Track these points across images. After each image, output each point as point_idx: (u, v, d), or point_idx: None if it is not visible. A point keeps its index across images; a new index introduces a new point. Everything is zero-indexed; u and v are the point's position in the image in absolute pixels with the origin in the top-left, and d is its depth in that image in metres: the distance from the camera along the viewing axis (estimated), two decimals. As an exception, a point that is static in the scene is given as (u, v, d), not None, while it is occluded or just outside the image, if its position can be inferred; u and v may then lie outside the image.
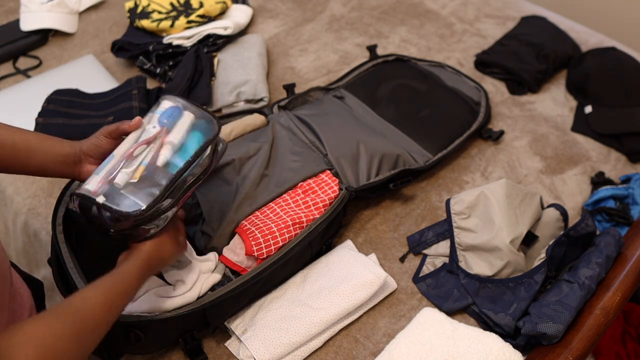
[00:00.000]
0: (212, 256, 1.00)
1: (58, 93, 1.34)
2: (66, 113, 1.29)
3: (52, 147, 0.88)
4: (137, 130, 0.88)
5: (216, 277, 0.98)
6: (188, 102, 0.92)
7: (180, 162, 0.85)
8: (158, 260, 0.86)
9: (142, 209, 0.79)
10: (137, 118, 0.89)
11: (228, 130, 1.22)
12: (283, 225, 1.02)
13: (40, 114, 1.29)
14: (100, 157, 0.87)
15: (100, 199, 0.80)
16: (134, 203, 0.80)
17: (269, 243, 0.99)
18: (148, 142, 0.86)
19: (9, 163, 0.86)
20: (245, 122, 1.24)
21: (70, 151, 0.88)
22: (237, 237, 1.03)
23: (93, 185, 0.82)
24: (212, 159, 0.90)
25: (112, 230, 0.82)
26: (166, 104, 0.91)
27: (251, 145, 1.18)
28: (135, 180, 0.82)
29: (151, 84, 1.45)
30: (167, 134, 0.87)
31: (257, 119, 1.26)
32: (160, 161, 0.85)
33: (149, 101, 1.34)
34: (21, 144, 0.86)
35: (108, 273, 0.79)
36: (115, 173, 0.82)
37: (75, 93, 1.35)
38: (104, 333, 0.74)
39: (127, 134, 0.88)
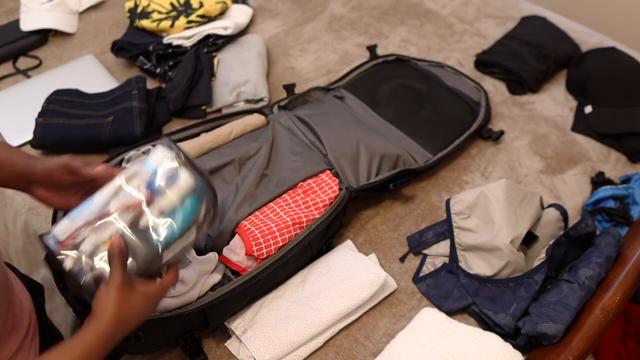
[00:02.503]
0: (213, 256, 1.00)
1: (58, 93, 1.34)
2: (66, 113, 1.29)
3: (7, 162, 0.84)
4: (122, 177, 0.79)
5: (216, 277, 0.98)
6: (186, 158, 0.80)
7: (163, 233, 0.77)
8: (126, 321, 0.75)
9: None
10: (102, 166, 0.83)
11: (228, 130, 1.22)
12: (283, 225, 1.02)
13: (40, 114, 1.28)
14: (53, 187, 0.83)
15: (68, 263, 0.75)
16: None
17: (269, 243, 0.99)
18: (128, 207, 0.77)
19: None
20: (245, 122, 1.24)
21: (23, 170, 0.84)
22: (237, 237, 1.03)
23: (62, 233, 0.76)
24: (201, 229, 0.80)
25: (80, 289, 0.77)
26: (160, 156, 0.80)
27: (251, 145, 1.18)
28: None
29: (151, 84, 1.45)
30: (154, 199, 0.78)
31: (257, 119, 1.26)
32: (141, 226, 0.77)
33: (149, 101, 1.34)
34: None
35: (60, 345, 0.70)
36: (83, 237, 0.76)
37: (75, 93, 1.35)
38: None
39: (85, 180, 0.83)
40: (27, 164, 0.84)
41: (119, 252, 0.75)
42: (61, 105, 1.31)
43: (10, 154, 0.84)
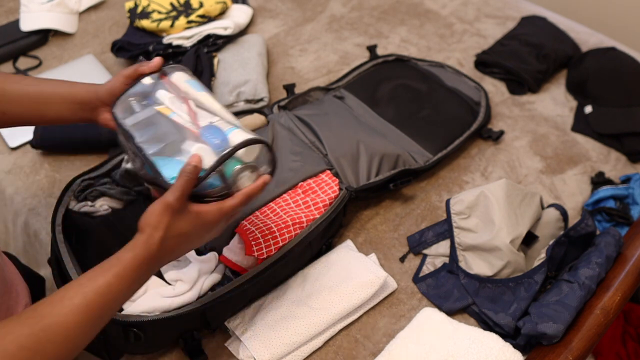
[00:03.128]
0: (212, 256, 1.00)
1: None
2: None
3: (67, 95, 0.86)
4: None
5: (216, 277, 0.98)
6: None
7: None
8: (174, 242, 0.70)
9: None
10: (157, 59, 0.85)
11: None
12: (283, 225, 1.02)
13: None
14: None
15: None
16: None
17: (269, 243, 0.99)
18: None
19: (26, 116, 0.86)
20: (245, 122, 1.24)
21: (85, 97, 0.86)
22: (237, 237, 1.03)
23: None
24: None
25: None
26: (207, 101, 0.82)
27: (251, 145, 1.18)
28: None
29: (151, 84, 1.45)
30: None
31: (257, 119, 1.26)
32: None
33: None
34: (35, 95, 0.85)
35: (100, 263, 0.66)
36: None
37: None
38: (82, 344, 0.63)
39: (144, 75, 0.85)
40: (87, 90, 0.86)
41: (192, 170, 0.71)
42: None
43: (65, 88, 0.86)
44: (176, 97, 0.85)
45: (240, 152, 0.75)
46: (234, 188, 0.77)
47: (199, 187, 0.73)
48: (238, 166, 0.75)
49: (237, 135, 0.76)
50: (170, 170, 0.76)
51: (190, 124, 0.80)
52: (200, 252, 1.02)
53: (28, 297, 0.90)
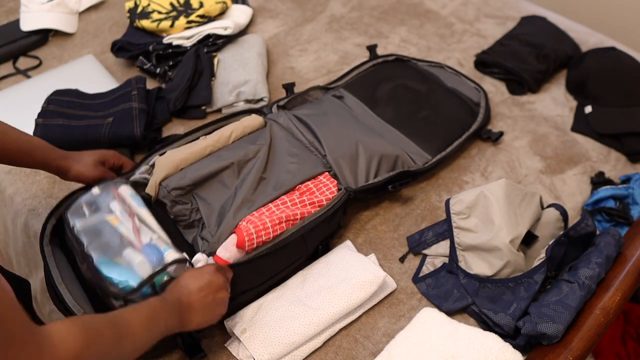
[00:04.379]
0: (201, 256, 1.01)
1: (58, 93, 1.34)
2: (66, 114, 1.29)
3: (40, 161, 1.03)
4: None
5: None
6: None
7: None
8: (187, 292, 0.86)
9: None
10: (131, 164, 1.14)
11: (228, 133, 1.21)
12: (277, 221, 1.02)
13: (40, 115, 1.29)
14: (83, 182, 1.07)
15: None
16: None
17: (260, 234, 0.99)
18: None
19: (16, 162, 1.02)
20: (244, 124, 1.24)
21: (55, 171, 1.06)
22: (232, 235, 1.03)
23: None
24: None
25: None
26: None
27: (250, 148, 1.18)
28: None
29: (151, 84, 1.45)
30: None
31: (255, 120, 1.25)
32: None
33: (149, 101, 1.34)
34: (17, 150, 1.00)
35: (157, 296, 0.83)
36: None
37: (75, 93, 1.35)
38: (142, 349, 0.76)
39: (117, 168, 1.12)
40: (59, 166, 1.05)
41: (227, 272, 0.94)
42: (61, 106, 1.31)
43: (43, 154, 1.03)
44: (124, 210, 1.01)
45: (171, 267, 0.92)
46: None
47: (135, 295, 0.88)
48: (165, 278, 0.91)
49: (170, 255, 0.93)
50: (115, 274, 0.90)
51: (134, 238, 0.97)
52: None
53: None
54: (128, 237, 0.97)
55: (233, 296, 0.98)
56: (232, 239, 1.02)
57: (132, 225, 0.99)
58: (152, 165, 1.14)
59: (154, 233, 0.99)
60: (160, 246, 0.95)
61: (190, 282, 0.86)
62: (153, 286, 0.90)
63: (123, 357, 0.73)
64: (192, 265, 0.95)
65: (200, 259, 1.00)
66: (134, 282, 0.89)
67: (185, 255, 0.95)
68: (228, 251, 1.00)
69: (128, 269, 0.91)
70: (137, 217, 1.01)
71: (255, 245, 0.99)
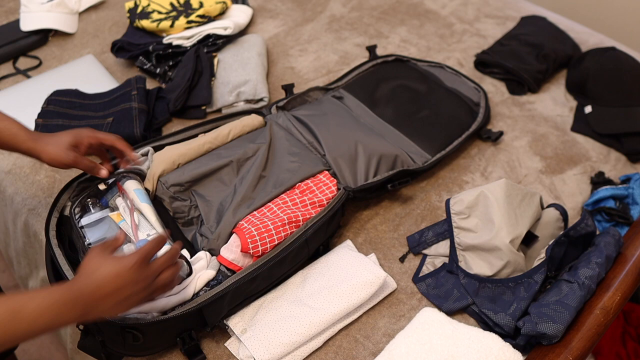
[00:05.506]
0: (203, 254, 1.01)
1: (58, 94, 1.34)
2: (66, 114, 1.29)
3: (9, 142, 0.98)
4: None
5: (210, 273, 0.98)
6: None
7: None
8: (97, 296, 0.74)
9: None
10: (111, 139, 1.03)
11: (226, 131, 1.21)
12: (280, 223, 1.02)
13: (40, 115, 1.29)
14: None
15: None
16: None
17: (264, 240, 0.99)
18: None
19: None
20: (243, 123, 1.24)
21: (26, 152, 0.98)
22: (234, 236, 1.03)
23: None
24: None
25: None
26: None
27: (249, 146, 1.18)
28: None
29: (151, 84, 1.45)
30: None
31: (254, 120, 1.26)
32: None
33: (149, 101, 1.34)
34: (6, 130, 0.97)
35: (19, 293, 0.71)
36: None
37: (74, 94, 1.35)
38: (32, 336, 0.68)
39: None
40: (29, 148, 0.97)
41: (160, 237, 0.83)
42: (61, 106, 1.31)
43: (10, 135, 0.97)
44: (126, 206, 1.02)
45: None
46: None
47: None
48: None
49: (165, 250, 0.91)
50: None
51: (132, 234, 0.98)
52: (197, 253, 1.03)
53: None
54: (128, 233, 0.97)
55: (240, 302, 0.99)
56: (235, 239, 1.02)
57: (131, 221, 0.99)
58: (145, 154, 1.16)
59: (152, 229, 0.99)
60: None
61: (105, 276, 0.76)
62: None
63: (13, 339, 0.68)
64: (188, 263, 0.93)
65: (202, 257, 1.00)
66: None
67: (183, 251, 0.95)
68: (232, 253, 1.00)
69: None
70: (137, 212, 1.01)
71: (260, 250, 0.99)
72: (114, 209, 1.06)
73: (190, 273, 0.95)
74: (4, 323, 0.66)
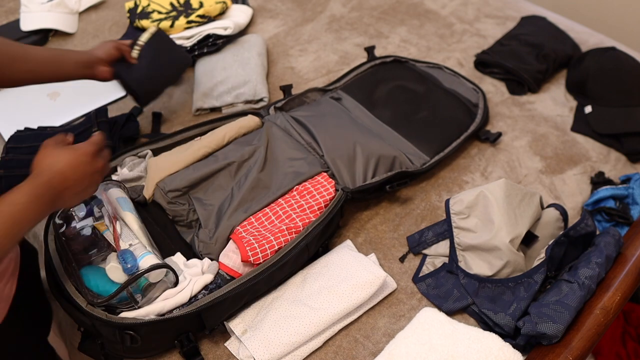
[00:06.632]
0: (197, 262, 1.01)
1: (15, 140, 1.25)
2: (28, 161, 1.20)
3: (73, 57, 1.09)
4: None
5: (208, 277, 0.98)
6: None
7: None
8: (63, 186, 0.81)
9: None
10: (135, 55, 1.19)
11: (221, 134, 1.21)
12: (279, 233, 1.02)
13: (0, 166, 1.20)
14: (112, 62, 1.15)
15: None
16: None
17: (264, 248, 0.99)
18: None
19: (46, 75, 1.06)
20: (239, 125, 1.24)
21: (87, 58, 1.11)
22: (231, 243, 1.03)
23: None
24: None
25: None
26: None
27: (246, 148, 1.18)
28: None
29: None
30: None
31: (251, 121, 1.25)
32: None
33: (113, 132, 1.26)
34: (52, 57, 1.06)
35: None
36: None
37: (33, 136, 1.25)
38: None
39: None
40: (87, 53, 1.12)
41: (99, 142, 0.89)
42: (21, 153, 1.22)
43: (72, 52, 1.11)
44: (110, 215, 1.02)
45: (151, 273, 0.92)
46: (142, 301, 0.93)
47: (113, 300, 0.89)
48: (146, 282, 0.92)
49: (147, 261, 0.93)
50: (96, 280, 0.93)
51: (114, 244, 0.97)
52: (197, 258, 1.03)
53: (13, 266, 0.92)
54: (110, 243, 0.98)
55: (239, 306, 0.99)
56: (233, 245, 1.02)
57: (113, 230, 0.99)
58: (139, 156, 1.16)
59: (135, 239, 0.98)
60: (138, 252, 0.95)
61: (67, 169, 0.82)
62: (130, 293, 0.91)
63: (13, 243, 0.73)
64: (174, 273, 0.95)
65: (195, 264, 1.00)
66: (112, 288, 0.90)
67: (164, 261, 0.96)
68: (231, 259, 1.00)
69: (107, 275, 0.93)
70: (120, 221, 1.01)
71: (260, 258, 0.99)
72: (99, 218, 1.04)
73: (176, 283, 0.96)
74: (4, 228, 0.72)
